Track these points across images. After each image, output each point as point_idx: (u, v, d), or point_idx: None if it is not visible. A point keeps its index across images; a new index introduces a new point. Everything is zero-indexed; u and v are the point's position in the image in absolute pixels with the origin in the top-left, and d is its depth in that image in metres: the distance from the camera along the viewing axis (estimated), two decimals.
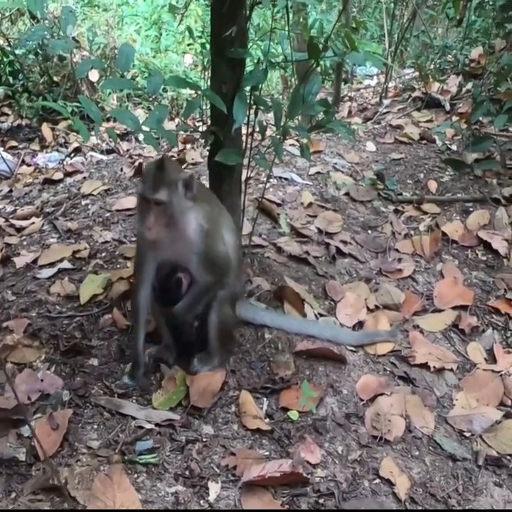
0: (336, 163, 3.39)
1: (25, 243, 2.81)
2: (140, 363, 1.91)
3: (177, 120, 5.74)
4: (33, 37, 4.15)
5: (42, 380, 1.90)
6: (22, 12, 6.39)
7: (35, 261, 2.60)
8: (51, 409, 1.78)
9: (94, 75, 6.21)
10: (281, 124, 2.16)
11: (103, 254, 2.62)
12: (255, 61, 2.13)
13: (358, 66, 7.90)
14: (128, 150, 4.96)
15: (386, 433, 1.82)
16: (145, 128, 2.00)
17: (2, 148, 5.24)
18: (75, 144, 5.27)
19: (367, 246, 2.76)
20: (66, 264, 2.54)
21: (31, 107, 6.02)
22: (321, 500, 1.59)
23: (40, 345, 2.07)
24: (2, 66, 6.32)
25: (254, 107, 2.20)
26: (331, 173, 3.29)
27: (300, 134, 2.23)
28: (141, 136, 5.47)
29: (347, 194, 3.12)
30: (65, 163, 4.72)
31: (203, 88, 2.15)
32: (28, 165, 5.00)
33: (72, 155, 5.16)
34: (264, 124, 2.27)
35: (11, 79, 6.19)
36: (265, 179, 3.21)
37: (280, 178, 3.25)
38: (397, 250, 2.74)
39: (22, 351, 2.04)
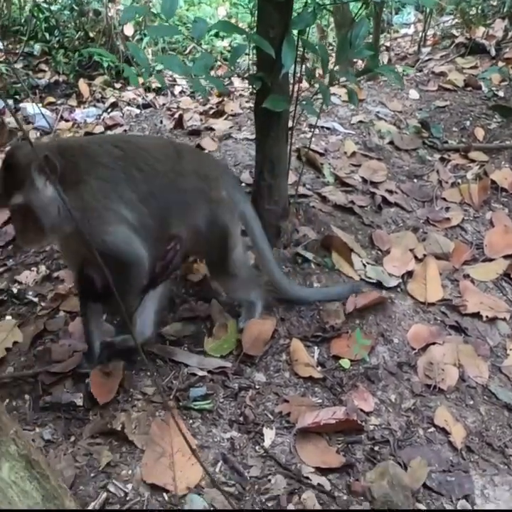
0: (378, 112, 3.25)
1: None
2: (92, 349, 1.75)
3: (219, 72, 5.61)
4: None
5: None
6: None
7: None
8: (106, 355, 1.77)
9: (129, 30, 6.08)
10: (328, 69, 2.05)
11: None
12: (303, 4, 2.01)
13: (394, 14, 7.59)
14: (164, 104, 4.86)
15: (440, 382, 1.76)
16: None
17: (41, 105, 5.19)
18: (112, 99, 5.19)
19: (413, 195, 2.65)
20: None
21: (67, 62, 5.95)
22: (376, 448, 1.55)
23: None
24: (38, 23, 6.22)
25: (299, 53, 2.08)
26: (374, 122, 3.15)
27: (348, 78, 2.12)
28: (176, 90, 5.36)
29: (391, 143, 2.99)
30: (103, 117, 4.66)
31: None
32: (66, 120, 4.95)
33: (109, 110, 5.08)
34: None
35: (47, 35, 6.11)
36: (307, 129, 3.13)
37: (322, 127, 3.12)
38: (444, 199, 2.62)
39: (73, 300, 2.02)
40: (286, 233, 2.22)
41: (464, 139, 3.05)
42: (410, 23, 7.51)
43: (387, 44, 6.80)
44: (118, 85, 5.55)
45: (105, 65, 5.65)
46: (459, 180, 2.73)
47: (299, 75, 2.13)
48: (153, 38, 5.99)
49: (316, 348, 1.84)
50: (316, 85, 2.11)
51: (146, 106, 4.85)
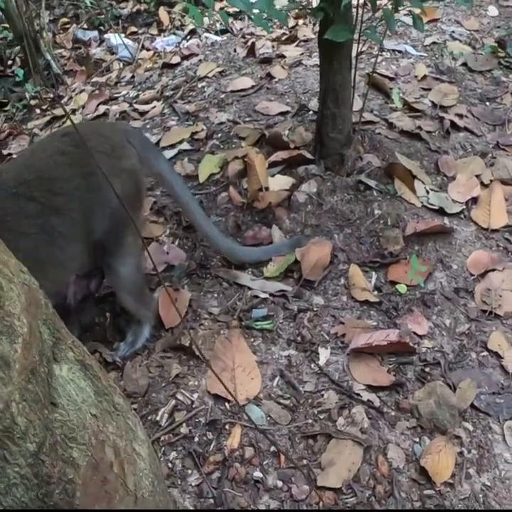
0: (453, 32, 3.00)
1: (148, 126, 2.81)
2: None
3: None
4: None
5: (167, 253, 1.95)
6: None
7: (157, 143, 2.59)
8: (176, 279, 1.85)
9: None
10: None
11: (219, 135, 2.55)
12: None
13: None
14: (241, 29, 4.70)
15: (496, 308, 1.71)
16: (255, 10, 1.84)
17: (123, 35, 5.18)
18: (191, 27, 5.08)
19: (484, 119, 2.47)
20: (185, 146, 2.51)
21: None
22: (427, 369, 1.54)
23: (165, 221, 2.11)
24: None
25: None
26: (448, 43, 2.91)
27: (412, 4, 1.96)
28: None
29: (464, 64, 2.76)
30: (181, 46, 4.60)
31: None
32: (148, 50, 4.92)
33: (188, 37, 4.99)
34: None
35: None
36: (377, 53, 2.95)
37: (393, 50, 2.93)
38: None
39: (149, 226, 2.08)
40: (350, 161, 2.16)
41: None
42: None
43: None
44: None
45: None
46: None
47: (363, 0, 1.99)
48: None
49: (374, 273, 1.81)
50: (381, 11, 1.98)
51: (223, 31, 4.71)
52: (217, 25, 5.08)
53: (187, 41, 4.84)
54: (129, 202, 1.45)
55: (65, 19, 5.58)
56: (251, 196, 2.09)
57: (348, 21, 1.97)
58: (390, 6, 1.95)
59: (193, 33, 5.03)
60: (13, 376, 0.70)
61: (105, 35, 5.23)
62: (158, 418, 1.45)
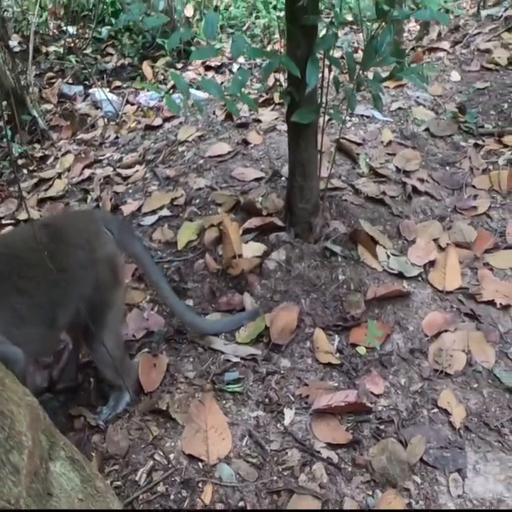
0: (418, 97, 3.33)
1: (130, 191, 3.08)
2: None
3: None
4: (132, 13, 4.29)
5: (147, 319, 2.19)
6: None
7: (139, 209, 2.86)
8: (155, 344, 2.08)
9: (189, 11, 6.28)
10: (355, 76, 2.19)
11: (197, 201, 2.82)
12: (326, 25, 2.16)
13: None
14: (222, 82, 5.04)
15: (447, 367, 1.95)
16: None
17: (108, 89, 5.52)
18: (173, 82, 5.41)
19: (444, 183, 2.76)
20: (165, 212, 2.78)
21: (132, 44, 6.22)
22: (382, 427, 1.77)
23: (145, 288, 2.35)
24: (105, 7, 6.51)
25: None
26: (413, 108, 3.23)
27: (371, 86, 2.26)
28: (234, 67, 5.53)
29: (427, 129, 3.08)
30: (161, 108, 4.88)
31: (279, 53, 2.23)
32: (132, 104, 5.24)
33: (171, 92, 5.32)
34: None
35: (113, 19, 6.40)
36: (349, 118, 3.25)
37: (362, 115, 3.25)
38: (473, 186, 2.71)
39: (131, 293, 2.33)
40: (317, 228, 2.43)
41: (501, 122, 3.09)
42: None
43: (448, 6, 6.63)
44: (179, 65, 5.76)
45: (167, 46, 5.87)
46: (491, 167, 2.81)
47: (326, 85, 2.28)
48: None
49: (336, 336, 2.06)
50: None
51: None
52: (199, 78, 5.44)
53: (170, 95, 5.17)
54: (106, 286, 1.70)
55: (50, 73, 5.92)
56: (225, 263, 2.34)
57: (313, 104, 2.26)
58: (351, 87, 2.25)
59: (174, 87, 5.38)
60: (21, 479, 0.94)
61: (90, 90, 5.56)
62: (137, 478, 1.66)
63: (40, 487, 0.99)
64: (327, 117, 2.35)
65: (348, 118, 3.22)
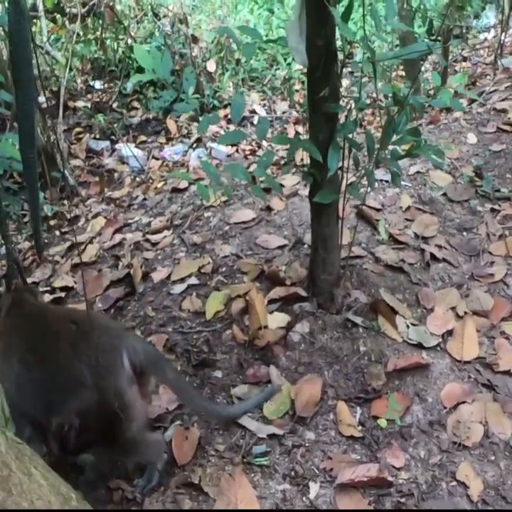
0: None
1: (159, 257, 3.31)
2: None
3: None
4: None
5: None
6: (146, 12, 6.91)
7: (168, 276, 3.08)
8: (187, 417, 2.27)
9: (211, 66, 6.63)
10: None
11: (223, 269, 3.04)
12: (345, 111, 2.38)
13: (473, 19, 7.60)
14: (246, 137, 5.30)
15: (465, 439, 2.09)
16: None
17: (133, 144, 5.84)
18: (197, 135, 5.71)
19: (461, 249, 2.94)
20: (193, 280, 2.99)
21: (156, 98, 6.56)
22: (402, 500, 1.92)
23: (176, 359, 2.55)
24: (130, 62, 6.90)
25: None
26: (430, 172, 3.44)
27: (389, 165, 2.46)
28: (255, 119, 5.81)
29: (445, 194, 3.27)
30: (188, 155, 5.13)
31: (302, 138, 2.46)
32: (157, 159, 5.54)
33: (194, 146, 5.62)
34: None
35: (138, 75, 6.77)
36: (363, 198, 3.45)
37: (381, 180, 3.46)
38: (490, 253, 2.88)
39: None
40: (339, 298, 2.61)
41: None
42: (489, 27, 7.50)
43: (465, 54, 6.88)
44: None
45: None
46: (507, 232, 2.98)
47: (346, 167, 2.49)
48: (232, 73, 6.50)
49: (358, 408, 2.22)
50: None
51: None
52: (221, 132, 5.73)
53: (194, 150, 5.47)
54: (107, 414, 1.83)
55: (78, 129, 6.28)
56: (252, 334, 2.53)
57: (334, 185, 2.47)
58: (370, 167, 2.46)
59: (199, 141, 5.68)
60: None
61: (116, 145, 5.89)
62: None
63: None
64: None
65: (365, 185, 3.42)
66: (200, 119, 6.24)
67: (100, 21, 6.68)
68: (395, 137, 2.43)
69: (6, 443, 1.03)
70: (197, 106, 2.55)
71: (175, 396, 2.33)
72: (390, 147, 2.44)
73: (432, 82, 4.78)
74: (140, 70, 6.71)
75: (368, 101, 3.56)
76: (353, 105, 2.42)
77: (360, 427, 2.16)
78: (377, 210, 3.22)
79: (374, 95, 3.84)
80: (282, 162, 4.03)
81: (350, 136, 2.42)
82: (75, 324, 1.95)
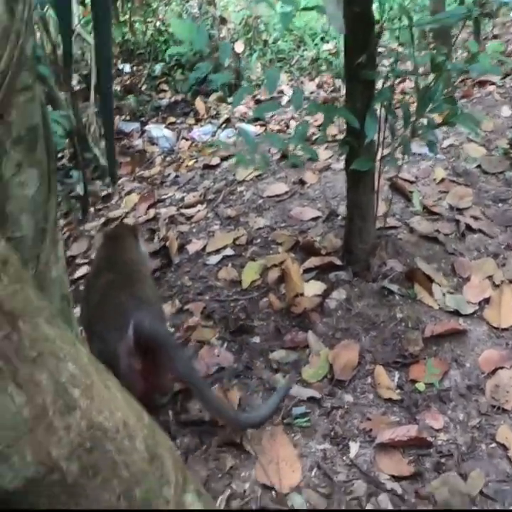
0: (469, 133, 3.48)
1: (194, 230, 3.33)
2: None
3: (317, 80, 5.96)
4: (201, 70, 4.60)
5: (218, 356, 2.40)
6: None
7: (203, 248, 3.10)
8: (226, 380, 2.29)
9: (239, 47, 6.60)
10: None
11: (258, 241, 3.05)
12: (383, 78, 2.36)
13: None
14: (272, 116, 5.28)
15: (504, 403, 2.08)
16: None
17: (163, 125, 5.85)
18: (225, 116, 5.69)
19: (496, 220, 2.90)
20: (229, 251, 3.01)
21: (185, 81, 6.56)
22: (442, 460, 1.91)
23: (214, 325, 2.57)
24: (159, 45, 6.91)
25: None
26: (464, 145, 3.39)
27: (425, 133, 2.44)
28: (284, 100, 5.77)
29: (479, 166, 3.23)
30: (217, 136, 5.13)
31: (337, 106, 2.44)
32: (186, 139, 5.55)
33: (223, 126, 5.61)
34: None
35: (167, 58, 6.78)
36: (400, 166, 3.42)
37: (414, 153, 3.42)
38: None
39: (201, 331, 2.54)
40: (375, 267, 2.60)
41: None
42: None
43: (496, 32, 6.75)
44: (231, 100, 6.02)
45: (218, 82, 6.18)
46: None
47: (383, 134, 2.47)
48: (260, 54, 6.48)
49: (396, 372, 2.22)
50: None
51: (256, 118, 5.30)
52: (250, 113, 5.71)
53: (222, 130, 5.46)
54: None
55: None
56: (288, 302, 2.54)
57: (370, 152, 2.45)
58: (406, 135, 2.44)
59: (228, 121, 5.67)
60: (169, 508, 1.17)
61: (146, 127, 5.89)
62: (217, 504, 1.86)
63: None
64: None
65: (400, 156, 3.39)
66: (229, 100, 6.22)
67: (129, 4, 6.71)
68: (430, 106, 2.41)
69: (86, 355, 1.04)
70: (232, 78, 2.54)
71: (215, 359, 2.36)
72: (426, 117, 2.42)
73: (463, 57, 4.70)
74: (168, 50, 6.70)
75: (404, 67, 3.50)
76: (389, 73, 2.40)
77: (398, 390, 2.15)
78: (411, 182, 3.19)
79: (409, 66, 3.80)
80: (314, 138, 4.00)
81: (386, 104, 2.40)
82: (119, 271, 2.08)
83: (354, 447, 1.97)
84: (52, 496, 0.92)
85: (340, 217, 3.04)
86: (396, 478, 1.87)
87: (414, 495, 1.82)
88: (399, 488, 1.84)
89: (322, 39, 6.70)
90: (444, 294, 2.50)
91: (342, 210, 3.06)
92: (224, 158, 4.14)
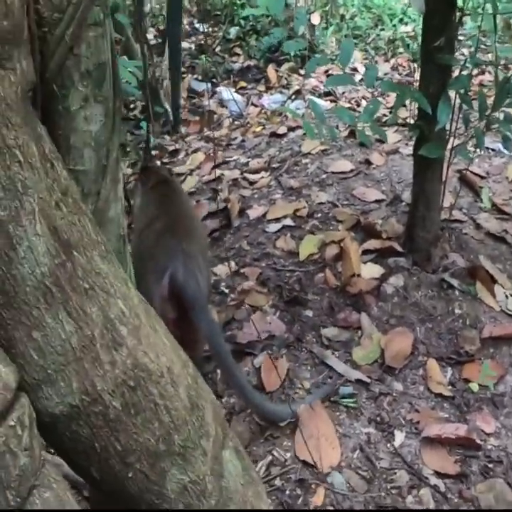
0: None
1: (256, 196, 3.21)
2: None
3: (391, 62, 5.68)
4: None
5: (270, 323, 2.30)
6: None
7: (264, 215, 2.98)
8: (277, 348, 2.19)
9: (315, 18, 6.32)
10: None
11: (319, 215, 2.91)
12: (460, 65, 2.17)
13: None
14: (343, 93, 5.07)
15: None
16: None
17: (233, 89, 5.68)
18: (296, 87, 5.48)
19: None
20: (289, 221, 2.88)
21: (259, 47, 6.34)
22: (490, 465, 1.78)
23: (268, 293, 2.46)
24: (235, 8, 6.69)
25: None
26: None
27: (502, 127, 2.24)
28: (357, 77, 5.52)
29: None
30: (286, 106, 4.94)
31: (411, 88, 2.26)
32: (255, 106, 5.37)
33: (293, 97, 5.40)
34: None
35: (242, 21, 6.56)
36: (471, 158, 3.21)
37: (487, 148, 3.21)
38: None
39: (255, 296, 2.45)
40: (436, 258, 2.45)
41: None
42: None
43: None
44: (303, 72, 5.78)
45: (292, 53, 5.93)
46: None
47: (456, 123, 2.28)
48: (336, 29, 6.21)
49: (449, 368, 2.08)
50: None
51: (327, 93, 5.08)
52: (321, 87, 5.48)
53: (292, 101, 5.26)
54: None
55: (182, 69, 6.15)
56: (344, 281, 2.41)
57: (441, 140, 2.27)
58: (481, 127, 2.25)
59: (298, 93, 5.46)
60: (207, 461, 1.11)
61: (217, 88, 5.73)
62: (257, 469, 1.78)
63: (218, 469, 1.14)
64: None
65: (472, 148, 3.19)
66: (301, 71, 5.98)
67: None
68: (508, 100, 2.20)
69: (137, 296, 1.01)
70: (306, 47, 2.38)
71: (267, 326, 2.27)
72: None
73: None
74: (244, 16, 6.48)
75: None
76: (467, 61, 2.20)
77: (450, 387, 2.02)
78: (482, 177, 2.99)
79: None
80: (384, 120, 3.81)
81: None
82: (164, 219, 1.95)
83: (399, 436, 1.87)
84: (95, 427, 0.91)
85: (404, 203, 2.87)
86: (440, 475, 1.75)
87: (458, 495, 1.71)
88: (442, 485, 1.73)
89: (401, 21, 6.37)
90: (507, 297, 2.34)
91: (406, 196, 2.88)
92: (291, 129, 3.97)
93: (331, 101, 4.88)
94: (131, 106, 5.37)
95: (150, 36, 6.30)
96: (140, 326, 0.97)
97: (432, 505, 1.67)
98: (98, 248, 0.92)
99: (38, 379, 0.86)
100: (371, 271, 2.47)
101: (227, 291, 2.51)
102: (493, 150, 3.19)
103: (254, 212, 3.01)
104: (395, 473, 1.77)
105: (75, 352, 0.86)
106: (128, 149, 4.36)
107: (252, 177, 3.39)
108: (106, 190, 1.04)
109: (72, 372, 0.87)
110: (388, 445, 1.85)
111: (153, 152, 4.24)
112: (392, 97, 4.10)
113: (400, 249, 2.53)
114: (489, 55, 4.28)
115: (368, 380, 2.03)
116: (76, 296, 0.86)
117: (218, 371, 2.12)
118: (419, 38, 3.95)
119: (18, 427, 0.80)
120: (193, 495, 1.09)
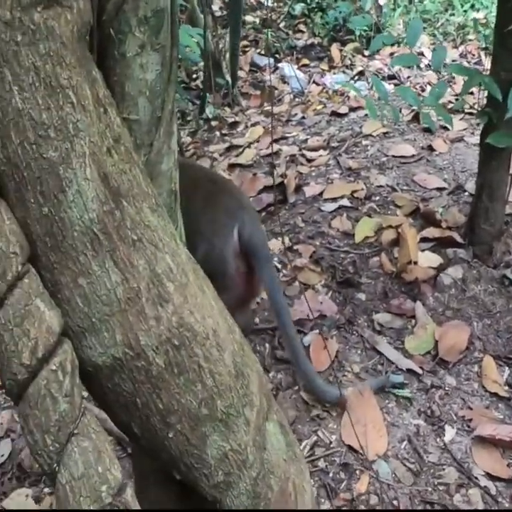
0: None
1: (313, 174, 3.08)
2: None
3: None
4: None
5: (321, 303, 2.20)
6: None
7: (320, 193, 2.86)
8: (327, 329, 2.09)
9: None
10: None
11: (377, 198, 2.77)
12: None
13: None
14: (409, 77, 4.84)
15: None
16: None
17: (296, 66, 5.49)
18: (360, 68, 5.25)
19: None
20: (345, 202, 2.75)
21: (324, 25, 6.09)
22: None
23: (321, 272, 2.35)
24: None
25: None
26: None
27: None
28: (423, 62, 5.25)
29: None
30: (347, 89, 4.74)
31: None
32: (317, 84, 5.17)
33: (356, 78, 5.18)
34: None
35: None
36: None
37: None
38: None
39: (307, 274, 2.34)
40: (498, 253, 2.29)
41: None
42: None
43: None
44: (367, 53, 5.53)
45: (357, 33, 5.67)
46: None
47: None
48: (404, 11, 5.92)
49: (507, 368, 1.94)
50: None
51: (391, 77, 4.85)
52: (386, 69, 5.24)
53: (354, 82, 5.04)
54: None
55: (245, 42, 5.99)
56: (400, 267, 2.28)
57: (510, 128, 2.09)
58: None
59: (361, 74, 5.23)
60: (250, 431, 1.02)
61: (279, 64, 5.55)
62: (301, 448, 1.70)
63: (259, 440, 1.06)
64: None
65: None
66: (365, 52, 5.71)
67: None
68: None
69: (186, 254, 0.93)
70: (372, 24, 2.21)
71: (318, 305, 2.16)
72: None
73: None
74: None
75: None
76: None
77: (506, 388, 1.88)
78: None
79: None
80: (450, 106, 3.59)
81: None
82: (212, 183, 1.79)
83: (450, 432, 1.75)
84: (137, 382, 0.87)
85: (466, 194, 2.70)
86: (491, 477, 1.63)
87: (510, 500, 1.59)
88: (493, 487, 1.61)
89: (472, 7, 6.02)
90: None
91: (470, 186, 2.71)
92: (352, 109, 3.80)
93: (395, 85, 4.66)
94: (194, 76, 5.26)
95: (215, 7, 6.14)
96: (187, 284, 0.90)
97: (480, 507, 1.56)
98: (148, 200, 0.85)
99: (82, 327, 0.82)
100: (429, 259, 2.33)
101: (279, 266, 2.41)
102: None
103: (310, 190, 2.88)
104: (444, 469, 1.66)
105: (119, 303, 0.82)
106: (189, 118, 4.27)
107: (310, 154, 3.25)
108: (159, 143, 0.95)
109: (116, 324, 0.83)
110: (438, 440, 1.73)
111: (213, 123, 4.14)
112: (459, 84, 3.88)
113: (460, 240, 2.37)
114: None
115: (420, 371, 1.91)
116: (123, 246, 0.81)
117: (267, 345, 2.04)
118: (491, 26, 3.67)
119: (60, 372, 0.77)
120: (233, 464, 1.01)
